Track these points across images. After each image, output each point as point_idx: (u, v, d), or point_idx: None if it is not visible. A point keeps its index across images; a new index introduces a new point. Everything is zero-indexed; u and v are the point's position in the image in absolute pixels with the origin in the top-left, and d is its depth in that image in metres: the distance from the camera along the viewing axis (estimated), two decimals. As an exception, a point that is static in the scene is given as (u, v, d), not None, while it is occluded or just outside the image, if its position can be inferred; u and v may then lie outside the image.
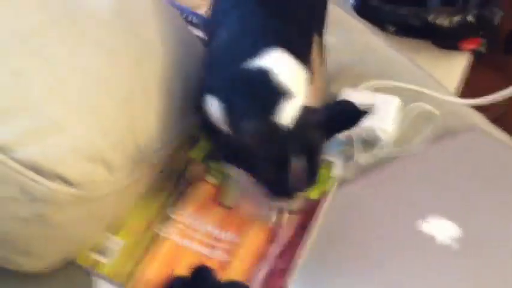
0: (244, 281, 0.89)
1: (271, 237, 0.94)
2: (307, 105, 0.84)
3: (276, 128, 0.81)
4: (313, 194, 0.98)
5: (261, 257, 0.92)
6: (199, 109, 0.90)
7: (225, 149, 0.86)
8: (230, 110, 0.83)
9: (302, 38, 0.95)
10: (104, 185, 0.83)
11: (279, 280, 0.89)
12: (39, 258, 0.86)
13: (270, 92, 0.82)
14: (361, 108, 0.84)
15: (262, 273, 0.90)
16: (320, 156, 0.84)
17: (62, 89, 0.81)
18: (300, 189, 0.85)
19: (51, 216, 0.79)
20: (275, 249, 0.93)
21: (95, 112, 0.83)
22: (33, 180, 0.76)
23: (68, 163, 0.79)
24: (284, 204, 0.92)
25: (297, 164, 0.81)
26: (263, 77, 0.83)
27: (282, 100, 0.81)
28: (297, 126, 0.81)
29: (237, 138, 0.82)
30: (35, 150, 0.77)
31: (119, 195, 0.86)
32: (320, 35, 1.05)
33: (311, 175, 0.84)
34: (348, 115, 0.85)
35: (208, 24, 1.06)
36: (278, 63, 0.84)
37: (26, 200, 0.77)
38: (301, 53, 0.90)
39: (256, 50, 0.85)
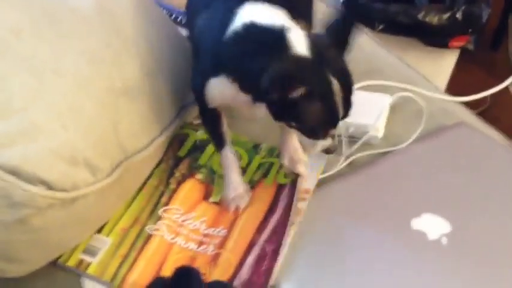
0: (233, 271, 0.87)
1: (261, 227, 0.93)
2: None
3: (299, 60, 0.78)
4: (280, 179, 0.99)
5: (250, 245, 0.90)
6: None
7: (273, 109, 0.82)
8: (245, 76, 0.81)
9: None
10: (85, 186, 0.80)
11: (268, 262, 0.87)
12: (23, 264, 0.83)
13: (269, 36, 0.80)
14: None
15: (251, 258, 0.88)
16: (350, 74, 0.83)
17: (42, 91, 0.79)
18: (346, 114, 0.82)
19: (33, 221, 0.76)
20: (264, 236, 0.91)
21: (76, 114, 0.81)
22: (13, 185, 0.74)
23: (49, 166, 0.76)
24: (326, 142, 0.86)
25: (337, 85, 0.79)
26: (251, 29, 0.81)
27: (284, 35, 0.79)
28: (315, 51, 0.79)
29: (271, 91, 0.78)
30: (14, 154, 0.74)
31: (102, 195, 0.83)
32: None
33: (349, 95, 0.82)
34: (346, 27, 0.85)
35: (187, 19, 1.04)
36: (255, 13, 0.82)
37: (6, 204, 0.74)
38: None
39: (231, 15, 0.82)
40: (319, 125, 0.82)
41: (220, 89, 0.85)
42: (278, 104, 0.80)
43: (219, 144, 0.96)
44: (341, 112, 0.81)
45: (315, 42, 0.80)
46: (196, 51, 0.93)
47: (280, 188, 0.98)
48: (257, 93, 0.81)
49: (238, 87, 0.83)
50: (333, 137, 0.86)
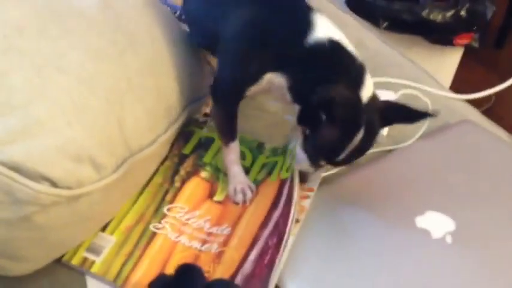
0: (236, 267, 0.86)
1: (264, 222, 0.92)
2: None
3: (358, 99, 0.83)
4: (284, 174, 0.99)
5: (254, 241, 0.89)
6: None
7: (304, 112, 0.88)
8: (309, 81, 0.84)
9: None
10: (90, 184, 0.79)
11: (271, 255, 0.87)
12: (26, 262, 0.82)
13: (354, 65, 0.85)
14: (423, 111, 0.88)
15: (254, 253, 0.88)
16: (374, 139, 0.87)
17: (46, 88, 0.78)
18: (349, 160, 0.87)
19: (36, 218, 0.75)
20: (267, 231, 0.91)
21: (80, 111, 0.80)
22: (16, 182, 0.72)
23: (52, 163, 0.75)
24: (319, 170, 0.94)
25: (360, 136, 0.83)
26: (339, 50, 0.86)
27: (364, 74, 0.85)
28: (369, 103, 0.84)
29: (322, 101, 0.82)
30: (18, 150, 0.73)
31: (106, 192, 0.82)
32: None
33: (360, 152, 0.86)
34: (406, 113, 0.88)
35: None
36: (336, 31, 0.87)
37: (9, 202, 0.73)
38: None
39: (306, 19, 0.87)
40: (322, 148, 0.87)
41: (269, 81, 0.89)
42: (313, 114, 0.84)
43: (230, 137, 0.96)
44: (342, 155, 0.86)
45: (373, 96, 0.86)
46: (228, 44, 0.93)
47: (283, 182, 0.98)
48: (304, 98, 0.86)
49: (289, 85, 0.87)
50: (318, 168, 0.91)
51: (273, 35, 0.88)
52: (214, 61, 1.11)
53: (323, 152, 0.88)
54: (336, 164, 0.89)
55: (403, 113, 0.88)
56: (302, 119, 0.88)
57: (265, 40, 0.88)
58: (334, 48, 0.85)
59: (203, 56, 1.11)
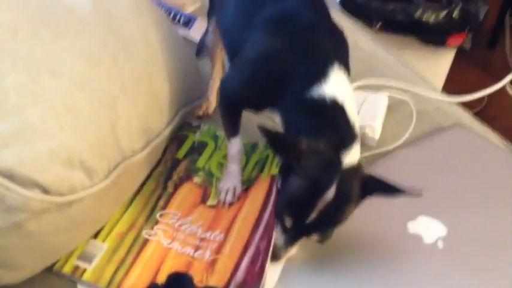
0: (229, 276, 0.85)
1: (255, 225, 0.92)
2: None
3: (334, 160, 0.79)
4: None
5: (246, 247, 0.89)
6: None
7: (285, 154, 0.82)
8: (300, 131, 0.81)
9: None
10: (82, 190, 0.79)
11: (261, 261, 0.86)
12: (17, 270, 0.81)
13: (347, 131, 0.82)
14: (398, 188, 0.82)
15: (246, 260, 0.88)
16: (349, 208, 0.81)
17: (38, 92, 0.77)
18: (320, 227, 0.80)
19: (28, 225, 0.74)
20: (258, 234, 0.91)
21: (73, 115, 0.79)
22: (7, 189, 0.71)
23: (45, 169, 0.74)
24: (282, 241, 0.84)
25: (328, 204, 0.78)
26: (338, 112, 0.82)
27: (353, 142, 0.81)
28: (350, 170, 0.79)
29: (295, 151, 0.78)
30: (9, 155, 0.72)
31: (98, 198, 0.82)
32: None
33: (332, 217, 0.80)
34: (387, 188, 0.82)
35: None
36: (345, 92, 0.83)
37: (0, 209, 0.72)
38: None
39: (320, 68, 0.83)
40: (289, 202, 0.80)
41: (269, 113, 0.88)
42: (289, 164, 0.79)
43: (233, 132, 0.96)
44: (311, 216, 0.78)
45: (361, 172, 0.81)
46: (242, 62, 0.92)
47: (272, 180, 0.98)
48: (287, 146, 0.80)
49: (283, 127, 0.85)
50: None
51: (283, 73, 0.85)
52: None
53: (290, 206, 0.80)
54: (306, 230, 0.81)
55: (384, 188, 0.82)
56: (282, 169, 0.83)
57: (274, 75, 0.86)
58: (333, 109, 0.82)
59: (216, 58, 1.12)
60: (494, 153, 1.07)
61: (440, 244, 0.90)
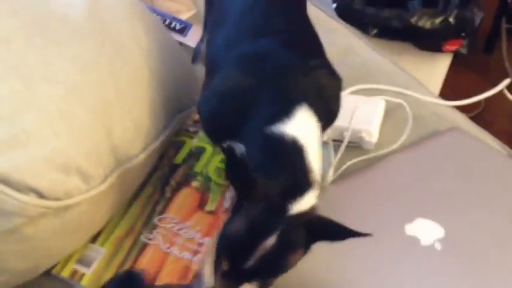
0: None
1: None
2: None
3: (284, 213, 0.74)
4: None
5: None
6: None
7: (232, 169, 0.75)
8: (256, 168, 0.74)
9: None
10: (78, 194, 0.79)
11: None
12: (14, 275, 0.80)
13: (302, 176, 0.76)
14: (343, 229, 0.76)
15: None
16: (292, 255, 0.76)
17: (32, 99, 0.77)
18: (259, 272, 0.75)
19: (24, 230, 0.74)
20: None
21: (68, 121, 0.79)
22: (4, 193, 0.71)
23: (40, 174, 0.74)
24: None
25: (271, 247, 0.73)
26: (296, 154, 0.77)
27: (307, 190, 0.75)
28: (297, 216, 0.74)
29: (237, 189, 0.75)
30: (5, 161, 0.72)
31: (95, 203, 0.82)
32: None
33: (272, 265, 0.75)
34: (332, 233, 0.77)
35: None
36: (308, 136, 0.78)
37: (-4, 214, 0.72)
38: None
39: (284, 107, 0.79)
40: (227, 241, 0.75)
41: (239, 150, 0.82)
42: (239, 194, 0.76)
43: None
44: (249, 261, 0.73)
45: (309, 217, 0.76)
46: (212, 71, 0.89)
47: None
48: (246, 171, 0.73)
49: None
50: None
51: (247, 107, 0.81)
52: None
53: (228, 249, 0.75)
54: (244, 274, 0.74)
55: (332, 232, 0.77)
56: (233, 206, 0.78)
57: (238, 108, 0.82)
58: (292, 150, 0.77)
59: None
60: (491, 157, 1.07)
61: (437, 246, 0.90)
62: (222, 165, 1.01)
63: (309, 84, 0.84)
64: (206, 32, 1.11)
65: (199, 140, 1.06)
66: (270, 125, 0.78)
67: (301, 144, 0.77)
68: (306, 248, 0.77)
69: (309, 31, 0.93)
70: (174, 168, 1.02)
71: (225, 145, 0.75)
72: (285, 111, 0.79)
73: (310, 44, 0.91)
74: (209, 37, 1.02)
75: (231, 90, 0.84)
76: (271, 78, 0.82)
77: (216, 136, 0.88)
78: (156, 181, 0.99)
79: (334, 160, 1.04)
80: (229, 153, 0.74)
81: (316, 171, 0.78)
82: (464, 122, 1.19)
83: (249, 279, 0.75)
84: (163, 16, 1.29)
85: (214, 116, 0.87)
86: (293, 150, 0.77)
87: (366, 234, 0.75)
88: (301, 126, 0.79)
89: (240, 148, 0.80)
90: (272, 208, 0.73)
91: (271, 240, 0.73)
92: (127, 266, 0.87)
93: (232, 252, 0.74)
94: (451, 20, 1.76)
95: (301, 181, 0.76)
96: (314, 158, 0.78)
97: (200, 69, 1.15)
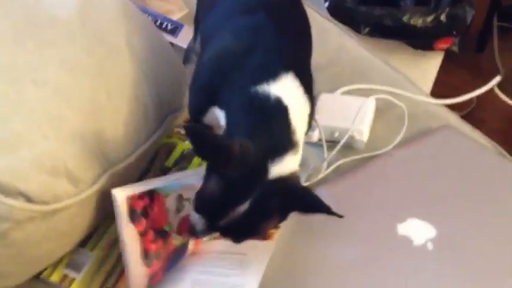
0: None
1: None
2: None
3: (264, 171, 0.73)
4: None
5: None
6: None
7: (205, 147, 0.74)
8: (236, 131, 0.76)
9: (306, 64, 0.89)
10: (67, 198, 0.78)
11: None
12: (2, 279, 0.80)
13: (284, 137, 0.76)
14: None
15: None
16: (267, 220, 0.76)
17: (21, 101, 0.77)
18: (232, 232, 0.76)
19: (12, 234, 0.73)
20: None
21: (57, 123, 0.79)
22: None
23: (29, 177, 0.74)
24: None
25: (244, 211, 0.73)
26: (279, 114, 0.77)
27: (288, 151, 0.75)
28: (276, 181, 0.73)
29: (228, 150, 0.72)
30: None
31: (84, 206, 0.81)
32: None
33: (245, 226, 0.74)
34: (307, 204, 0.76)
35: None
36: (293, 98, 0.78)
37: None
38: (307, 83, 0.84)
39: (271, 71, 0.79)
40: (203, 198, 0.76)
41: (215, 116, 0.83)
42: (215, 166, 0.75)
43: None
44: (224, 220, 0.74)
45: (288, 184, 0.75)
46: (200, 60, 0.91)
47: None
48: (216, 143, 0.72)
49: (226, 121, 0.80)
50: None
51: (235, 68, 0.81)
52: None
53: (203, 206, 0.76)
54: (219, 230, 0.76)
55: (308, 203, 0.76)
56: (199, 152, 0.78)
57: (227, 68, 0.82)
58: (275, 109, 0.77)
59: None
60: (483, 155, 1.07)
61: (429, 246, 0.90)
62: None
63: (299, 64, 0.84)
64: (198, 31, 1.11)
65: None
66: (255, 86, 0.77)
67: (285, 105, 0.77)
68: (282, 216, 0.77)
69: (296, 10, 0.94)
70: (166, 171, 1.01)
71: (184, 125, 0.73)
72: (271, 74, 0.78)
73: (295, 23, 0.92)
74: (202, 24, 1.03)
75: (218, 58, 0.84)
76: (260, 47, 0.82)
77: (200, 108, 0.86)
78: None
79: (326, 159, 1.04)
80: (190, 129, 0.72)
81: (299, 133, 0.77)
82: (455, 120, 1.19)
83: (223, 235, 0.77)
84: (154, 16, 1.29)
85: (201, 84, 0.87)
86: (276, 109, 0.77)
87: (338, 215, 0.75)
88: (286, 88, 0.78)
89: (216, 115, 0.81)
90: (250, 171, 0.72)
91: (244, 207, 0.72)
92: (117, 272, 0.86)
93: (206, 210, 0.75)
94: (442, 18, 1.77)
95: (282, 141, 0.75)
96: (297, 119, 0.77)
97: (191, 71, 1.15)
